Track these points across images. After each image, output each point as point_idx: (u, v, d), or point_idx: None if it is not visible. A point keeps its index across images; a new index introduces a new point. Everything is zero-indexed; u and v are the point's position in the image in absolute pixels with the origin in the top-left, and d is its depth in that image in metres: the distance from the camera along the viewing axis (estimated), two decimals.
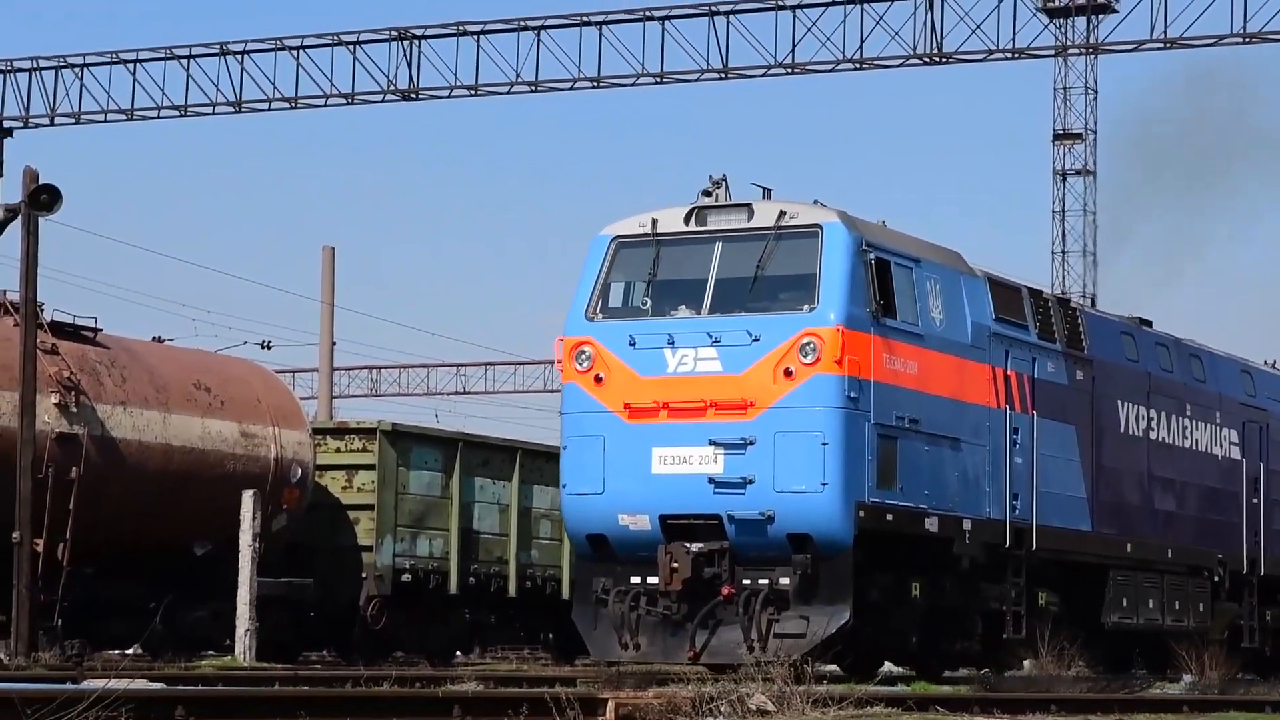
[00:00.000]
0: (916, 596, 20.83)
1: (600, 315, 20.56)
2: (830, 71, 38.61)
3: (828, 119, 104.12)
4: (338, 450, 27.88)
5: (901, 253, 20.80)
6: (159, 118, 43.30)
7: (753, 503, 19.54)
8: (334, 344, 50.92)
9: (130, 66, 42.75)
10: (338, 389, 58.74)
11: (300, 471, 26.88)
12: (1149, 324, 26.64)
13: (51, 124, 43.95)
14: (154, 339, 27.93)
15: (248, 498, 24.54)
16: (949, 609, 21.49)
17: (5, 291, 25.66)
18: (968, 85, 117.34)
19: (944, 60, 38.05)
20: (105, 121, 43.57)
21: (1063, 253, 61.52)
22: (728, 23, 38.56)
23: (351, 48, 41.12)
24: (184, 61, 42.34)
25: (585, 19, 39.61)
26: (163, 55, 42.55)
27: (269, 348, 51.13)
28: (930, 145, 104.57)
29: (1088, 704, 17.76)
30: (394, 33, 40.88)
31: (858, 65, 38.33)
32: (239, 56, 42.00)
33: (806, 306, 19.79)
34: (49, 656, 22.13)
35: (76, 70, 43.20)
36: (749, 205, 20.50)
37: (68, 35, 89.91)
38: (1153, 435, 25.46)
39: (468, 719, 12.33)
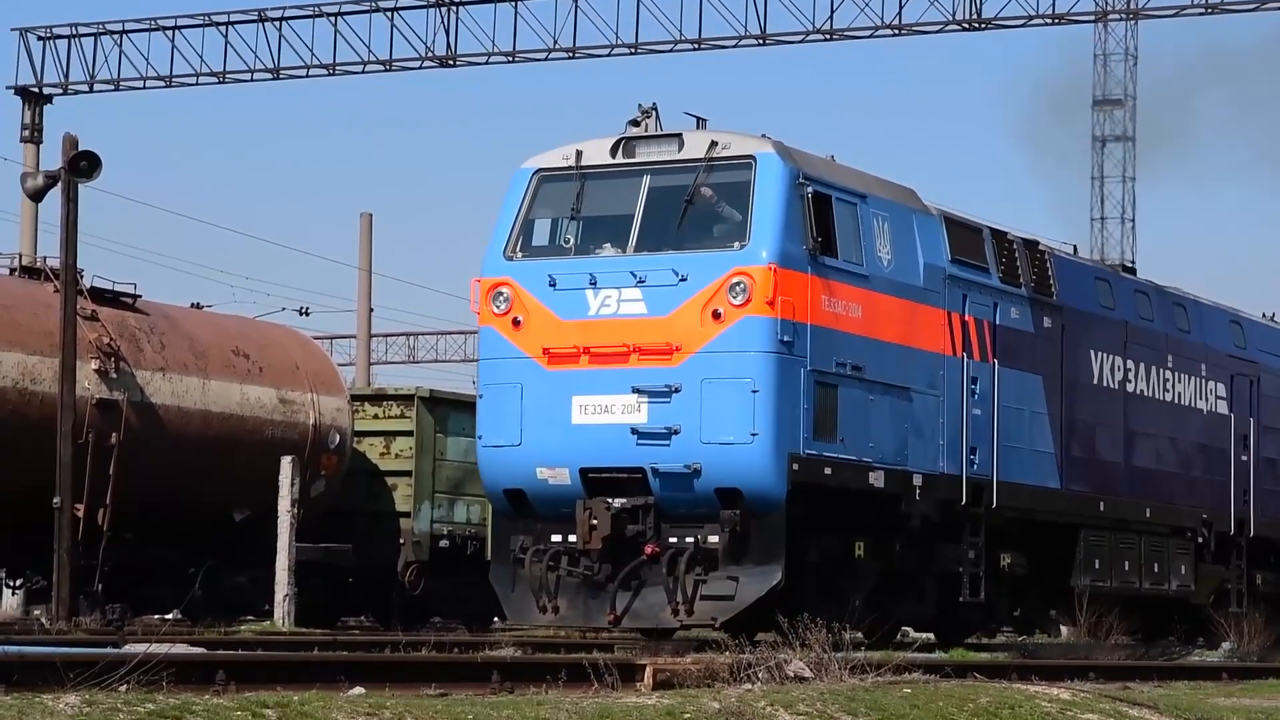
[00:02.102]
0: (861, 557, 19.21)
1: (520, 254, 18.97)
2: (869, 37, 38.38)
3: (860, 85, 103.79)
4: (376, 417, 27.39)
5: (844, 187, 19.03)
6: (197, 84, 42.85)
7: (678, 455, 17.97)
8: (371, 310, 50.96)
9: (169, 33, 42.37)
10: (375, 355, 58.73)
11: (338, 438, 26.67)
12: (1132, 271, 24.65)
13: (90, 90, 43.68)
14: (193, 305, 27.78)
15: (286, 464, 24.24)
16: (898, 571, 19.80)
17: (45, 258, 25.66)
18: (1007, 50, 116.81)
19: (983, 26, 37.66)
20: (144, 88, 43.16)
21: (1101, 219, 61.57)
22: None
23: (389, 14, 41.09)
24: (222, 28, 42.02)
25: None
26: (201, 22, 42.21)
27: (307, 314, 51.20)
28: (967, 111, 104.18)
29: (1126, 671, 17.65)
30: None
31: (897, 31, 37.78)
32: (277, 23, 41.65)
33: (737, 244, 18.16)
34: (90, 621, 22.00)
35: (115, 37, 42.87)
36: (679, 135, 18.88)
37: (107, 2, 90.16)
38: (1130, 387, 23.59)
39: (507, 684, 12.36)
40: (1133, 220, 61.33)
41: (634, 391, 18.19)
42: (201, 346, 25.19)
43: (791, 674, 12.95)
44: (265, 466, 24.34)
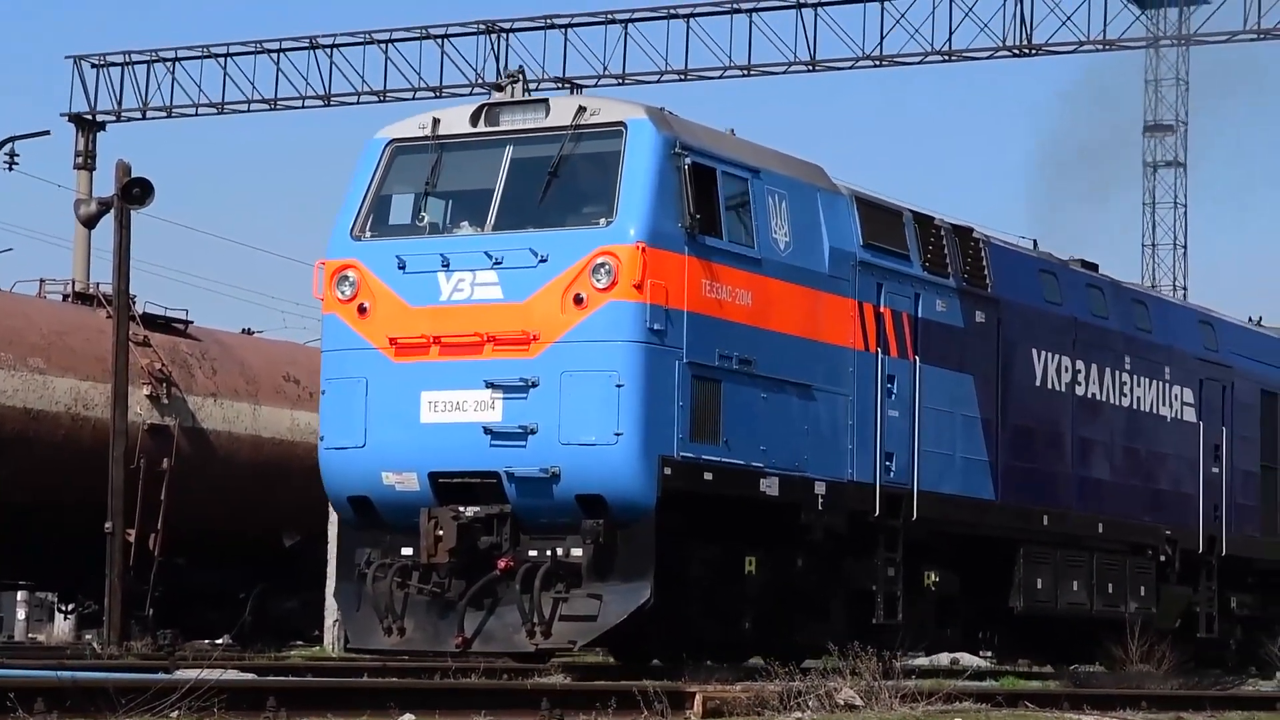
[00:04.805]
0: (751, 573, 16.83)
1: (369, 233, 16.77)
2: (919, 64, 38.20)
3: (908, 112, 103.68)
4: None
5: (732, 160, 16.71)
6: (249, 111, 43.03)
7: (534, 457, 15.73)
8: None
9: (221, 60, 42.22)
10: None
11: None
12: (1094, 267, 22.07)
13: (144, 117, 43.42)
14: (244, 331, 28.01)
15: None
16: (798, 589, 17.38)
17: (98, 284, 25.86)
18: (1055, 76, 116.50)
19: (1034, 52, 37.35)
20: (196, 115, 43.32)
21: (1153, 245, 61.26)
22: (815, 15, 38.12)
23: (440, 41, 41.26)
24: (274, 55, 42.05)
25: (673, 11, 39.53)
26: (253, 49, 42.28)
27: None
28: (1017, 137, 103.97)
29: (1179, 700, 17.47)
30: (480, 25, 40.99)
31: (946, 57, 37.54)
32: (328, 50, 41.86)
33: (603, 220, 15.92)
34: (141, 645, 21.95)
35: (168, 64, 42.70)
36: (545, 101, 16.67)
37: (159, 29, 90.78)
38: (1080, 391, 21.02)
39: (556, 712, 12.32)
40: (1184, 246, 60.99)
41: (487, 386, 15.99)
42: (252, 372, 25.20)
43: (842, 702, 12.86)
44: (315, 492, 24.14)
